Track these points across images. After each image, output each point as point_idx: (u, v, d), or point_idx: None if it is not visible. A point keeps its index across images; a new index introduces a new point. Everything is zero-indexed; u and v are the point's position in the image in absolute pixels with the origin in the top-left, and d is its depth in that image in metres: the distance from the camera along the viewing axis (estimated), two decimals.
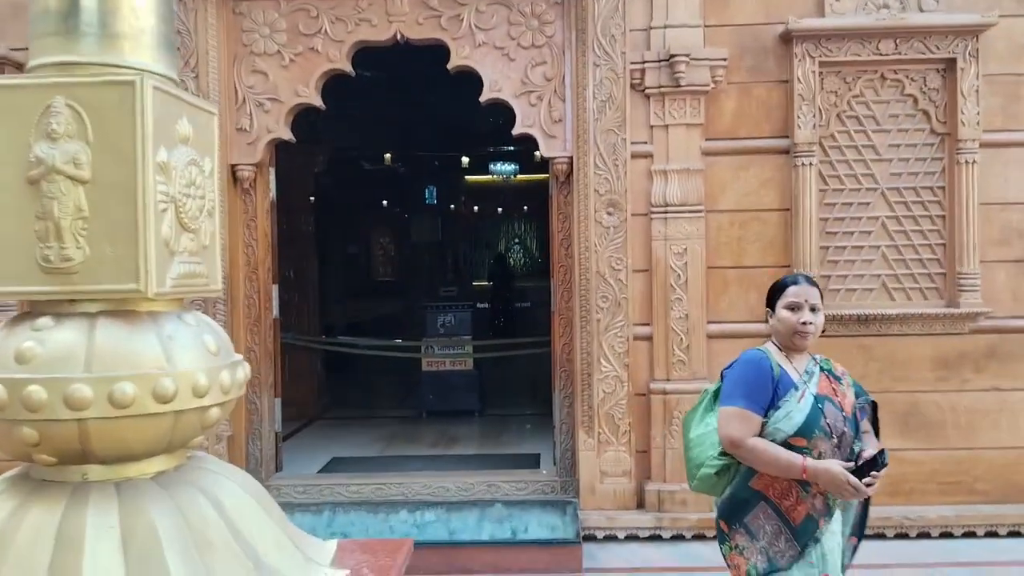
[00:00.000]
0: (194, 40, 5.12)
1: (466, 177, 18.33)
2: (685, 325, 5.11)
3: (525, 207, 18.27)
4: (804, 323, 2.61)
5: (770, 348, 2.70)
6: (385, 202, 16.91)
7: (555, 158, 5.23)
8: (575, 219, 5.17)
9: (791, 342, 2.65)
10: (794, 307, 2.64)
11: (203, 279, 1.90)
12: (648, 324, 5.16)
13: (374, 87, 12.49)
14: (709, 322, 5.15)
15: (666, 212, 5.09)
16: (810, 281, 2.70)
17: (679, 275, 5.10)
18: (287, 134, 5.31)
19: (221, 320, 5.19)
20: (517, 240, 20.27)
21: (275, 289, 5.80)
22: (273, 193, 5.68)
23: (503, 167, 17.85)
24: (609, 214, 5.06)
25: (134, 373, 1.64)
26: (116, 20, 1.73)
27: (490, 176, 18.14)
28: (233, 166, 5.28)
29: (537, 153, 5.35)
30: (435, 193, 18.09)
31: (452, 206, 18.11)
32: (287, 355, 7.14)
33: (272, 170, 5.66)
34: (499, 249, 18.89)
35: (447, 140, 13.30)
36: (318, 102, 5.28)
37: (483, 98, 5.23)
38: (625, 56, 5.03)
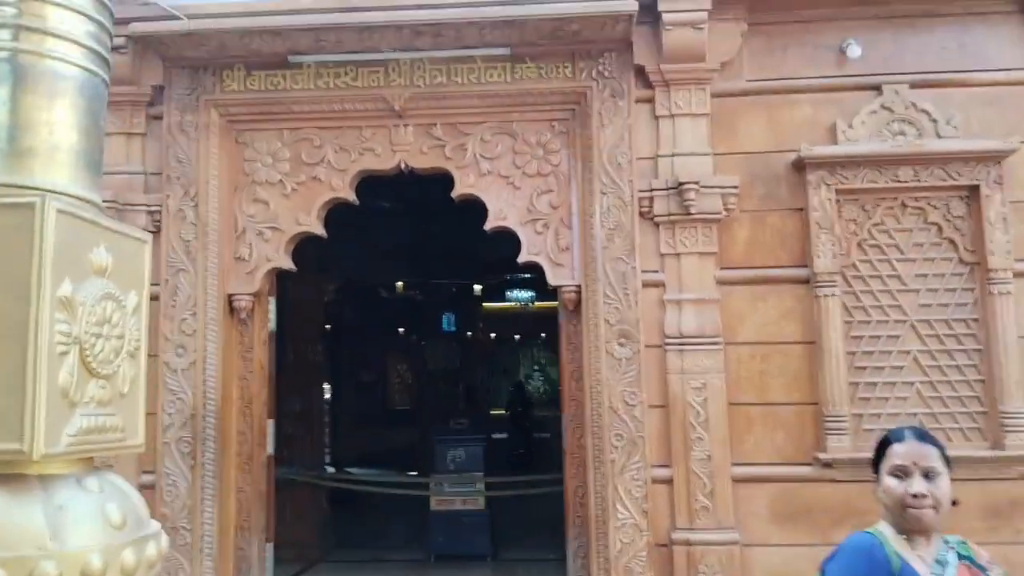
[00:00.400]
0: (195, 169, 5.06)
1: (483, 304, 18.25)
2: (708, 467, 4.71)
3: (543, 334, 18.04)
4: (916, 495, 2.00)
5: (884, 529, 2.08)
6: (401, 329, 16.76)
7: (563, 287, 5.00)
8: (585, 350, 4.88)
9: (904, 521, 2.03)
10: (901, 473, 2.04)
11: (117, 433, 1.62)
12: (667, 466, 4.76)
13: (386, 215, 12.62)
14: (734, 464, 4.74)
15: (682, 344, 4.79)
16: (922, 436, 2.11)
17: (699, 412, 4.74)
18: (287, 263, 5.16)
19: (209, 458, 4.88)
20: (537, 367, 19.94)
21: (271, 424, 5.50)
22: (272, 323, 5.48)
23: (520, 294, 17.79)
24: (621, 345, 4.77)
25: (7, 556, 1.34)
26: (27, 135, 1.54)
27: (508, 303, 18.06)
28: (230, 296, 5.11)
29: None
30: (452, 320, 17.95)
31: (469, 333, 17.92)
32: (289, 492, 6.76)
33: (272, 300, 5.49)
34: (518, 377, 18.53)
35: (462, 267, 13.27)
36: (320, 230, 5.16)
37: (488, 226, 5.07)
38: (632, 184, 4.88)
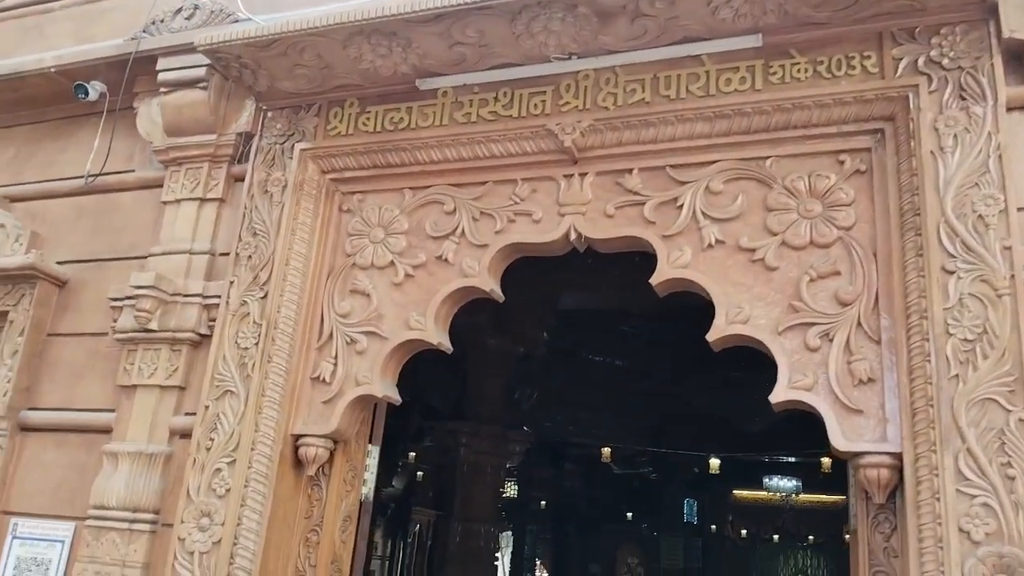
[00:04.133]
0: (273, 244, 3.40)
1: (734, 492, 15.14)
2: None
3: (810, 536, 14.41)
4: None
5: None
6: (630, 514, 14.14)
7: (862, 454, 2.55)
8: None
9: None
10: None
11: None
12: None
13: (611, 367, 10.51)
14: None
15: None
16: None
17: None
18: (387, 391, 3.23)
19: None
20: None
21: None
22: (369, 488, 3.50)
23: (781, 482, 14.49)
24: None
25: None
26: None
27: (765, 492, 14.79)
28: (296, 438, 3.25)
29: (829, 453, 2.70)
30: (694, 508, 14.98)
31: (714, 526, 14.77)
32: None
33: (372, 449, 3.54)
34: None
35: (707, 437, 10.66)
36: (437, 339, 3.21)
37: (714, 335, 2.83)
38: (1012, 255, 2.45)
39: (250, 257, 3.44)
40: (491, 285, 3.21)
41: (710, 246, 2.92)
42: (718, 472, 11.99)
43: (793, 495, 14.73)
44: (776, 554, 15.22)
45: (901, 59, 2.76)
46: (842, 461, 2.78)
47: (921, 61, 2.73)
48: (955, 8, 2.72)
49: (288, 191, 3.47)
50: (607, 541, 15.13)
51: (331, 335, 3.35)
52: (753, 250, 2.86)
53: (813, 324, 2.71)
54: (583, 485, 14.69)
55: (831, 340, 2.68)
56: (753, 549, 15.19)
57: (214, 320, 3.43)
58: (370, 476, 3.50)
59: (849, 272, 2.73)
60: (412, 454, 10.91)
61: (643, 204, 3.06)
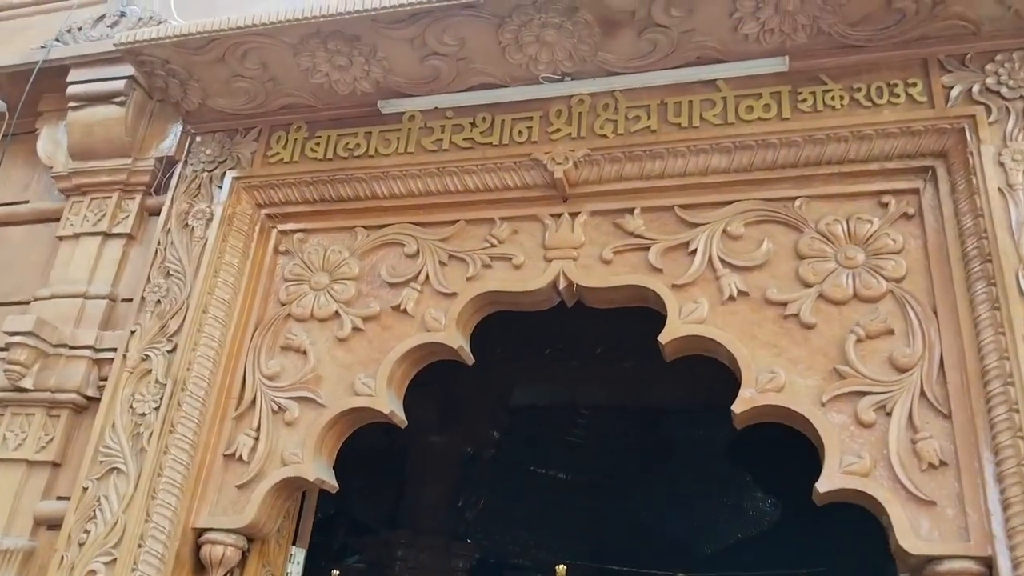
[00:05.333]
0: (187, 288, 2.76)
1: None
2: None
3: None
4: None
5: None
6: None
7: (939, 558, 1.98)
8: None
9: None
10: None
11: None
12: None
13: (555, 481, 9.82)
14: None
15: None
16: None
17: None
18: (321, 473, 2.54)
19: None
20: None
21: None
22: None
23: None
24: None
25: None
26: None
27: None
28: (199, 533, 2.51)
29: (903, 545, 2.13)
30: None
31: None
32: None
33: (297, 551, 2.80)
34: None
35: (657, 560, 9.88)
36: (390, 408, 2.56)
37: (742, 407, 2.27)
38: None
39: (159, 302, 2.78)
40: (459, 342, 2.61)
41: (731, 298, 2.41)
42: None
43: None
44: None
45: (952, 87, 2.38)
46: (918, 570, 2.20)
47: (976, 89, 2.36)
48: (1011, 33, 2.37)
49: (214, 226, 2.86)
50: None
51: (254, 401, 2.68)
52: (784, 303, 2.36)
53: (865, 393, 2.19)
54: None
55: (888, 414, 2.16)
56: None
57: (105, 379, 2.73)
58: None
59: (905, 331, 2.24)
60: (336, 573, 9.84)
61: (647, 249, 2.55)
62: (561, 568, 9.95)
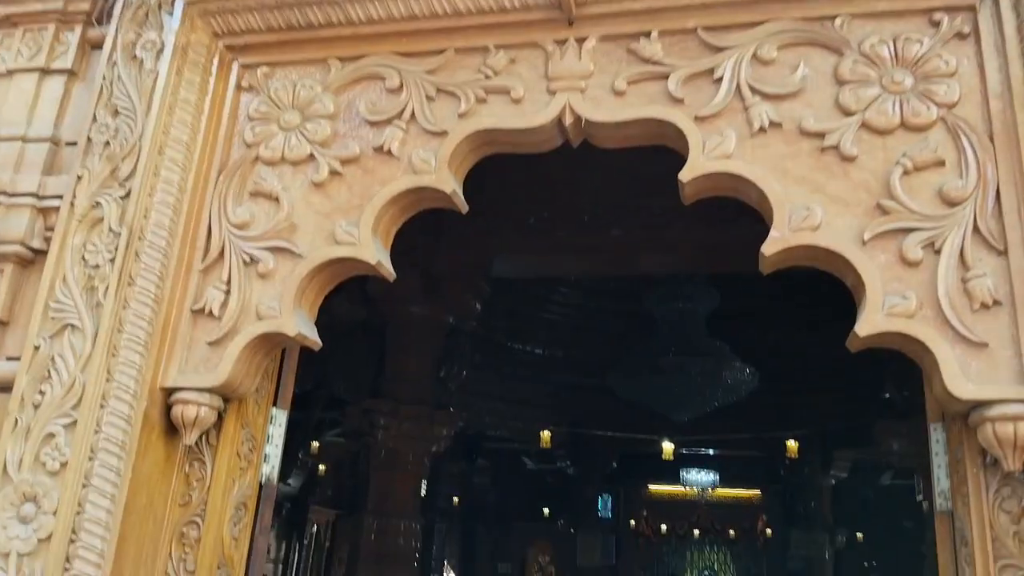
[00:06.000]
0: (138, 127, 2.42)
1: (649, 487, 14.71)
2: None
3: (731, 531, 14.11)
4: None
5: None
6: (546, 510, 13.47)
7: (991, 403, 1.82)
8: None
9: None
10: None
11: None
12: None
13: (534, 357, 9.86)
14: None
15: None
16: None
17: None
18: (302, 328, 2.30)
19: None
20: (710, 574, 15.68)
21: None
22: (272, 467, 2.55)
23: (699, 476, 14.11)
24: None
25: None
26: None
27: (681, 488, 14.41)
28: (169, 393, 2.29)
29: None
30: (609, 504, 14.44)
31: (632, 522, 14.29)
32: None
33: (278, 412, 2.60)
34: None
35: (631, 427, 10.07)
36: (376, 258, 2.30)
37: (772, 248, 2.04)
38: None
39: (108, 143, 2.44)
40: (452, 186, 2.33)
41: (761, 130, 2.14)
42: (668, 458, 11.42)
43: (709, 490, 14.37)
44: (690, 549, 14.83)
45: None
46: (957, 415, 2.05)
47: None
48: None
49: (165, 57, 2.50)
50: (518, 540, 14.44)
51: (222, 252, 2.40)
52: (822, 135, 2.10)
53: (912, 230, 1.97)
54: (495, 481, 13.95)
55: (937, 251, 1.94)
56: (667, 545, 14.77)
57: (52, 230, 2.42)
58: (274, 450, 2.55)
59: (957, 162, 2.00)
60: (315, 443, 9.89)
61: (666, 77, 2.25)
62: (545, 433, 10.07)
